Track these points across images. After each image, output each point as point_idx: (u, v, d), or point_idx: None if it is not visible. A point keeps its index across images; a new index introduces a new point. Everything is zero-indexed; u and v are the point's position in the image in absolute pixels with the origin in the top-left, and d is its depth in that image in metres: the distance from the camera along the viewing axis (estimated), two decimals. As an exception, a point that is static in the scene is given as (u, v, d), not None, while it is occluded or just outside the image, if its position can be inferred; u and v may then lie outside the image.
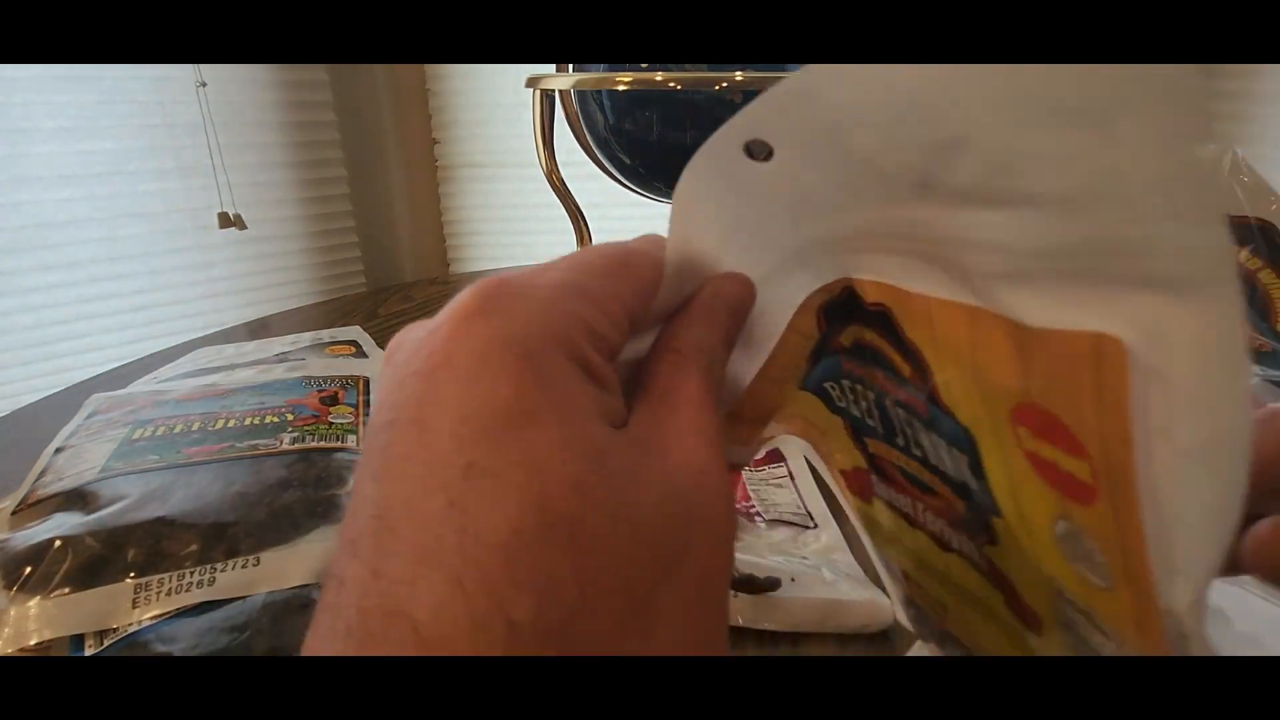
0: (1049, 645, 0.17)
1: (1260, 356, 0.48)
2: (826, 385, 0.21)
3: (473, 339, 0.13)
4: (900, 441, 0.19)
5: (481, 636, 0.11)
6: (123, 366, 0.68)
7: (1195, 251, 0.10)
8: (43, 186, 1.12)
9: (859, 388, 0.20)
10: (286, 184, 1.32)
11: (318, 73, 1.31)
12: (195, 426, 0.43)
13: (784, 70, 0.63)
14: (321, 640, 0.13)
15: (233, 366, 0.57)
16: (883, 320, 0.17)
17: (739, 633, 0.38)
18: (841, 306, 0.19)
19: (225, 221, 1.17)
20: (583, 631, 0.12)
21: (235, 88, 1.22)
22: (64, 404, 0.55)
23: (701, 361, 0.17)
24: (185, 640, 0.30)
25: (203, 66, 1.14)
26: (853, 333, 0.19)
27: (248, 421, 0.44)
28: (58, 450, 0.44)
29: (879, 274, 0.17)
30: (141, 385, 0.55)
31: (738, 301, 0.18)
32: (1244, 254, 0.53)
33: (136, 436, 0.43)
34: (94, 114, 1.13)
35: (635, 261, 0.17)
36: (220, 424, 0.43)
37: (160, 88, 1.15)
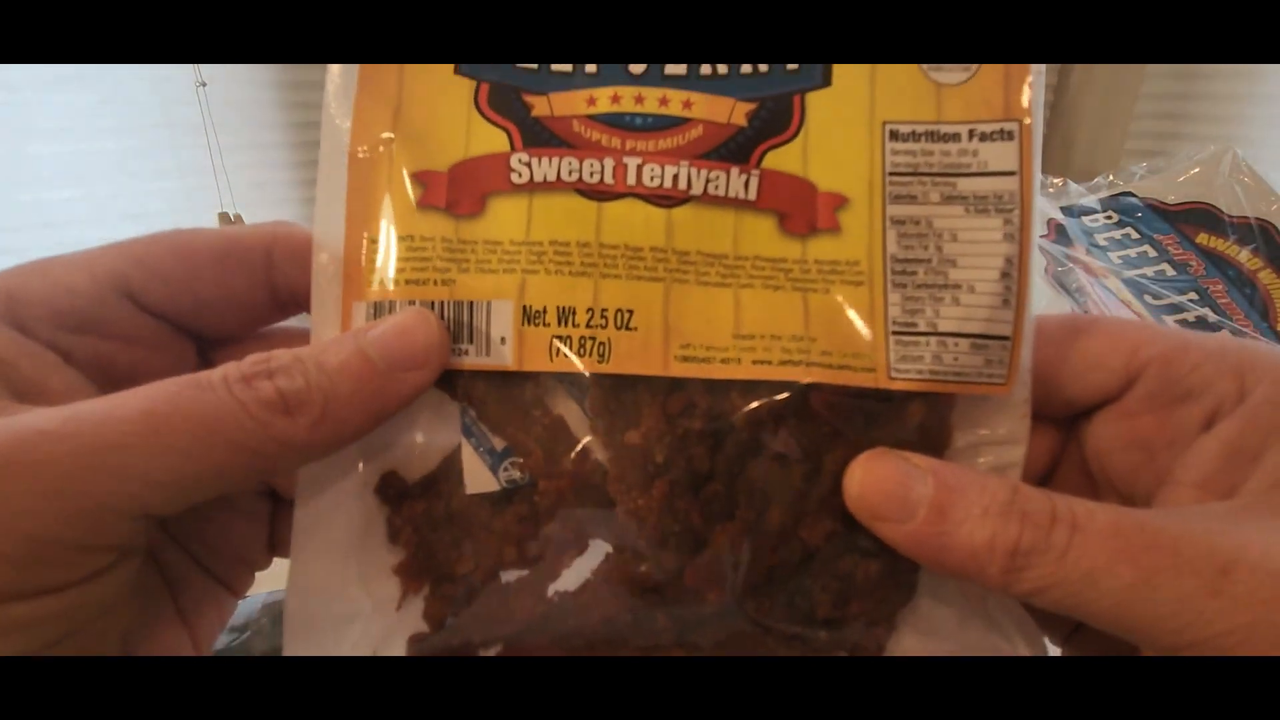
0: (845, 239, 0.16)
1: (1260, 356, 0.48)
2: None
3: None
4: (637, 65, 0.17)
5: None
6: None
7: None
8: (43, 186, 1.12)
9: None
10: (286, 184, 1.32)
11: (318, 73, 1.31)
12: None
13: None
14: None
15: (233, 366, 0.56)
16: None
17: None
18: None
19: (225, 221, 1.16)
20: None
21: (235, 88, 1.22)
22: (64, 404, 0.55)
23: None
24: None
25: (203, 66, 1.14)
26: None
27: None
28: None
29: None
30: (141, 385, 0.55)
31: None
32: (1244, 254, 0.53)
33: (136, 436, 0.43)
34: (94, 114, 1.12)
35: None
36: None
37: (160, 88, 1.15)
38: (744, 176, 0.17)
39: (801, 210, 0.17)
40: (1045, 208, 0.57)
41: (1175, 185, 0.58)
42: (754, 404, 0.16)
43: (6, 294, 0.16)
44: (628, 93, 0.17)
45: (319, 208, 0.17)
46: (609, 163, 0.17)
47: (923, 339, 0.16)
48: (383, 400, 0.15)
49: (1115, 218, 0.57)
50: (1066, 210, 0.57)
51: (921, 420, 0.17)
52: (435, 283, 0.17)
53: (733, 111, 0.17)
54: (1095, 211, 0.58)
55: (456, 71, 0.17)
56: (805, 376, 0.16)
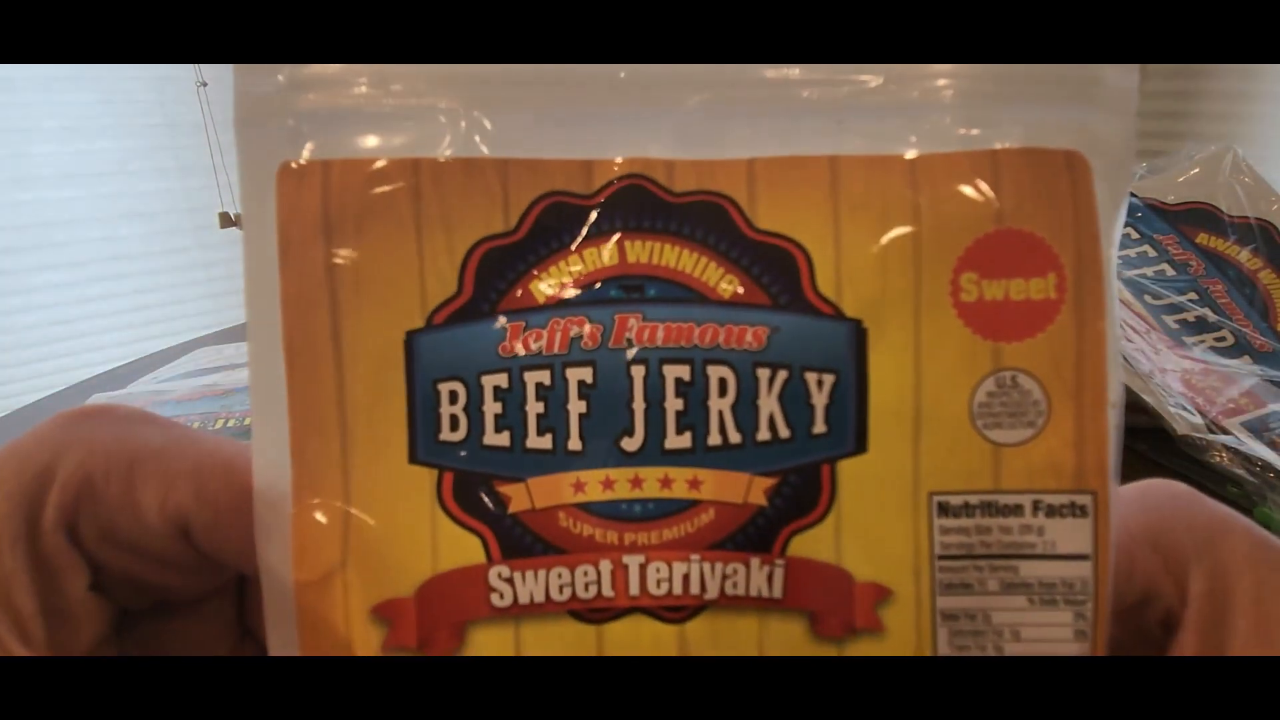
0: (889, 639, 0.15)
1: (1260, 356, 0.48)
2: (438, 397, 0.14)
3: None
4: (631, 441, 0.14)
5: None
6: (123, 366, 0.68)
7: (1120, 87, 0.14)
8: (44, 186, 1.12)
9: (526, 377, 0.14)
10: (287, 184, 1.32)
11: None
12: (195, 426, 0.43)
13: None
14: None
15: (233, 366, 0.56)
16: (707, 214, 0.14)
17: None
18: (550, 230, 0.14)
19: (225, 221, 1.17)
20: None
21: (235, 88, 1.22)
22: (64, 404, 0.55)
23: None
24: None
25: (203, 66, 1.14)
26: (582, 262, 0.14)
27: (248, 422, 0.44)
28: (58, 450, 0.44)
29: (710, 146, 0.15)
30: (141, 385, 0.55)
31: None
32: (1244, 254, 0.53)
33: (136, 436, 0.43)
34: (94, 114, 1.13)
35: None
36: (220, 424, 0.43)
37: (160, 88, 1.15)
38: (766, 569, 0.14)
39: (836, 608, 0.14)
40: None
41: (1175, 185, 0.58)
42: None
43: (85, 483, 0.15)
44: (622, 475, 0.14)
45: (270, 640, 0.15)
46: (606, 567, 0.14)
47: None
48: None
49: (1115, 218, 0.57)
50: (1066, 210, 0.58)
51: None
52: None
53: (749, 489, 0.15)
54: (1095, 211, 0.58)
55: (412, 461, 0.14)
56: None
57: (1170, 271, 0.53)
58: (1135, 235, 0.55)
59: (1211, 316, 0.50)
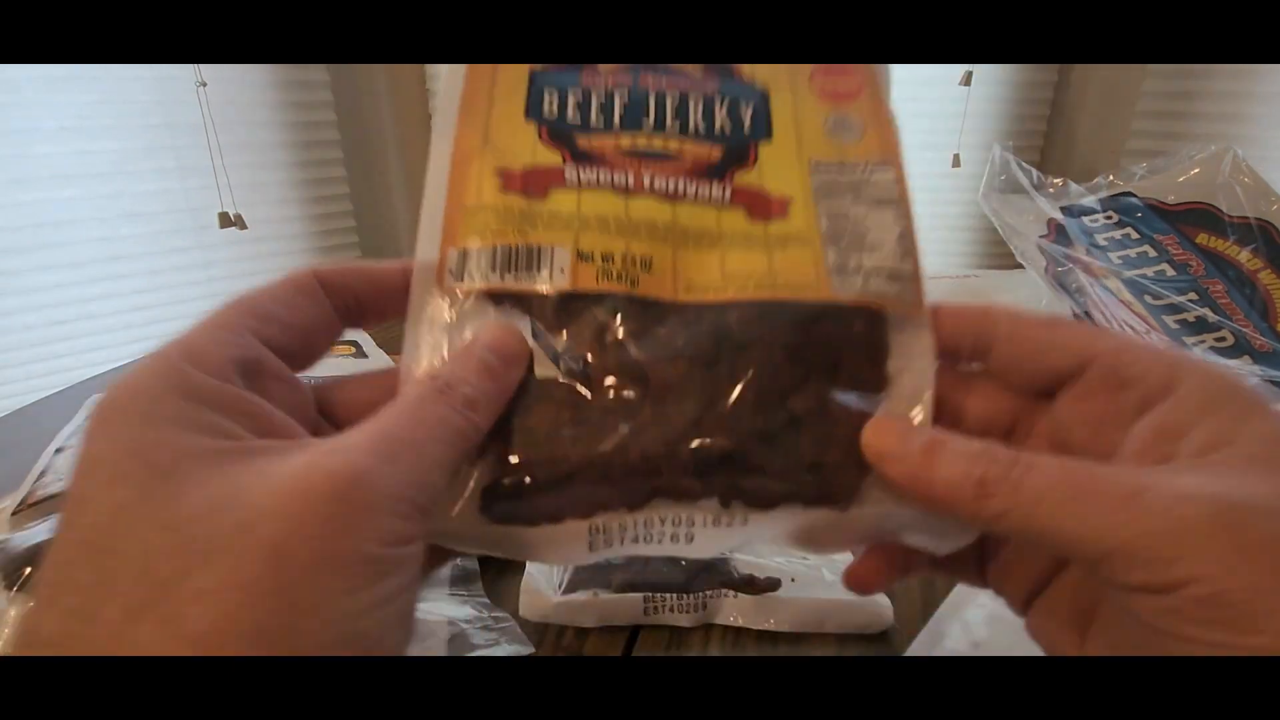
0: (792, 221, 0.24)
1: (1260, 356, 0.48)
2: (545, 94, 0.26)
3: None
4: (647, 123, 0.25)
5: (25, 639, 0.15)
6: (123, 366, 0.68)
7: None
8: (44, 187, 1.12)
9: (594, 92, 0.26)
10: (286, 184, 1.32)
11: (318, 73, 1.31)
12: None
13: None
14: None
15: (233, 366, 0.56)
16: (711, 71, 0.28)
17: (739, 633, 0.39)
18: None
19: (225, 221, 1.17)
20: (99, 619, 0.15)
21: (235, 88, 1.22)
22: (64, 404, 0.55)
23: (431, 391, 0.19)
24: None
25: (203, 66, 1.14)
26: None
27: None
28: (58, 450, 0.44)
29: None
30: (141, 385, 0.55)
31: (500, 348, 0.21)
32: (1244, 254, 0.53)
33: (136, 436, 0.43)
34: (94, 114, 1.13)
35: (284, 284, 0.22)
36: (220, 424, 0.43)
37: (160, 88, 1.15)
38: (719, 187, 0.25)
39: (761, 207, 0.25)
40: (1045, 208, 0.57)
41: (1175, 185, 0.58)
42: (739, 313, 0.23)
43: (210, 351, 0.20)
44: (642, 139, 0.25)
45: (428, 188, 0.24)
46: (631, 174, 0.24)
47: (853, 273, 0.23)
48: (504, 389, 0.21)
49: (1115, 218, 0.57)
50: (1066, 210, 0.58)
51: (863, 331, 0.23)
52: (512, 234, 0.23)
53: (711, 152, 0.25)
54: (1095, 211, 0.58)
55: (526, 118, 0.25)
56: (773, 296, 0.23)
57: (1170, 272, 0.53)
58: (1135, 235, 0.55)
59: (1211, 317, 0.50)
